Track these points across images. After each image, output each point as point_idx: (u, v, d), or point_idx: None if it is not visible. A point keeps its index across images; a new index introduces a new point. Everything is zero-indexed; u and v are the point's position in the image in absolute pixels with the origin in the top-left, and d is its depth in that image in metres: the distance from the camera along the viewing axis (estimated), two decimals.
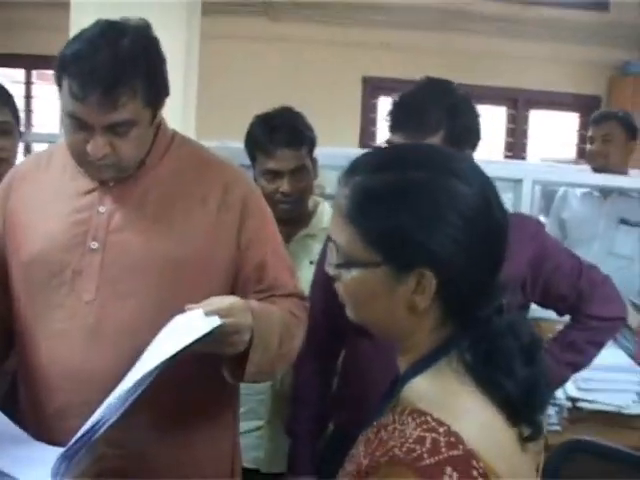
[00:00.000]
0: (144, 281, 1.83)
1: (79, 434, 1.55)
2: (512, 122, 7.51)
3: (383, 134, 6.36)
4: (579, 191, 4.13)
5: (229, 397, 2.02)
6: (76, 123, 1.77)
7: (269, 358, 1.81)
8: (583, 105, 7.33)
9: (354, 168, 1.27)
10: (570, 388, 2.82)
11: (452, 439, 1.12)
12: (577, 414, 2.82)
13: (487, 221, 1.22)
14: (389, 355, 2.10)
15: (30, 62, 7.08)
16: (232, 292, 1.89)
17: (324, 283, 2.29)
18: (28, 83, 7.34)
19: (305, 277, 2.57)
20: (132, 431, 1.73)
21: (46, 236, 1.87)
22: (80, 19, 1.81)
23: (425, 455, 1.10)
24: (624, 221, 4.00)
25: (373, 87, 7.14)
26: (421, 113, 2.12)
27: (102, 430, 1.55)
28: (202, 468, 1.93)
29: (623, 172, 4.05)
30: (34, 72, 7.33)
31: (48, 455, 1.61)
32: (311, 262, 2.65)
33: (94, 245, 1.84)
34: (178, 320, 1.67)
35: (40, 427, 1.82)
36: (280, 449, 2.57)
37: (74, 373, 1.81)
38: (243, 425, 2.34)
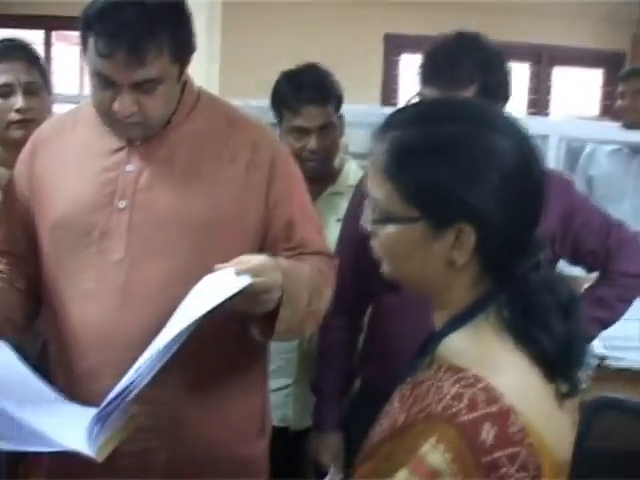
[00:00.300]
0: (173, 240, 1.82)
1: (112, 395, 1.55)
2: (535, 79, 7.44)
3: (405, 92, 6.29)
4: (607, 148, 4.08)
5: (259, 355, 2.01)
6: (103, 81, 1.76)
7: (298, 316, 1.81)
8: (607, 61, 7.23)
9: (391, 123, 1.25)
10: (597, 345, 2.81)
11: (490, 395, 1.11)
12: (603, 372, 2.81)
13: (526, 176, 1.21)
14: (416, 310, 2.09)
15: (49, 23, 7.06)
16: (261, 251, 1.88)
17: (350, 240, 2.32)
18: (48, 44, 7.32)
19: (332, 235, 2.57)
20: (163, 389, 1.73)
21: (73, 197, 1.86)
22: None
23: (463, 411, 1.10)
24: None
25: (395, 44, 7.06)
26: (454, 65, 2.10)
27: (136, 391, 1.55)
28: (233, 426, 1.94)
29: None
30: (54, 33, 7.31)
31: (82, 415, 1.61)
32: (338, 220, 2.65)
33: (122, 204, 1.84)
34: (208, 279, 1.67)
35: (71, 388, 1.83)
36: (308, 407, 2.58)
37: (105, 333, 1.81)
38: (272, 383, 2.35)
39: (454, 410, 1.10)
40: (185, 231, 1.82)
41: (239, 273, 1.63)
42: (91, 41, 1.72)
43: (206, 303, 1.58)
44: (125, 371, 1.63)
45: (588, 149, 4.16)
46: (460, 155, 1.18)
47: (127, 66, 1.70)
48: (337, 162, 2.79)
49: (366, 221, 1.28)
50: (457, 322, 1.23)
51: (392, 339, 2.25)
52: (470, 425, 1.09)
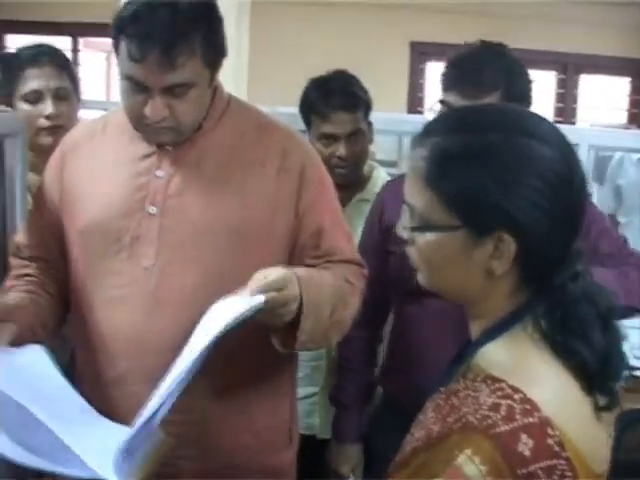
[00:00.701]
0: (203, 246, 1.82)
1: (138, 425, 1.52)
2: (562, 87, 7.40)
3: (431, 99, 6.27)
4: (636, 156, 4.03)
5: (287, 363, 2.00)
6: (134, 86, 1.75)
7: (321, 326, 1.80)
8: (634, 69, 7.19)
9: (430, 130, 1.24)
10: (628, 356, 2.77)
11: (527, 406, 1.10)
12: (635, 383, 2.78)
13: (568, 185, 1.19)
14: (439, 321, 2.12)
15: (76, 30, 7.10)
16: (290, 257, 1.89)
17: (368, 250, 2.31)
18: (75, 51, 7.37)
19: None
20: (191, 398, 1.72)
21: (104, 202, 1.86)
22: None
23: (500, 422, 1.09)
24: None
25: (421, 52, 7.06)
26: (478, 71, 2.09)
27: (160, 417, 1.53)
28: (260, 435, 1.92)
29: None
30: (80, 40, 7.36)
31: (113, 435, 1.58)
32: None
33: (152, 210, 1.83)
34: (227, 300, 1.66)
35: (99, 394, 1.82)
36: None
37: (134, 339, 1.80)
38: (299, 391, 2.34)
39: (490, 421, 1.09)
40: (215, 237, 1.82)
41: (254, 292, 1.62)
42: (123, 45, 1.73)
43: (221, 324, 1.57)
44: (154, 377, 1.61)
45: (616, 158, 4.12)
46: (501, 162, 1.17)
47: (159, 69, 1.70)
48: (366, 169, 2.79)
49: (403, 228, 1.27)
50: (494, 332, 1.21)
51: (414, 350, 2.25)
52: (507, 437, 1.08)
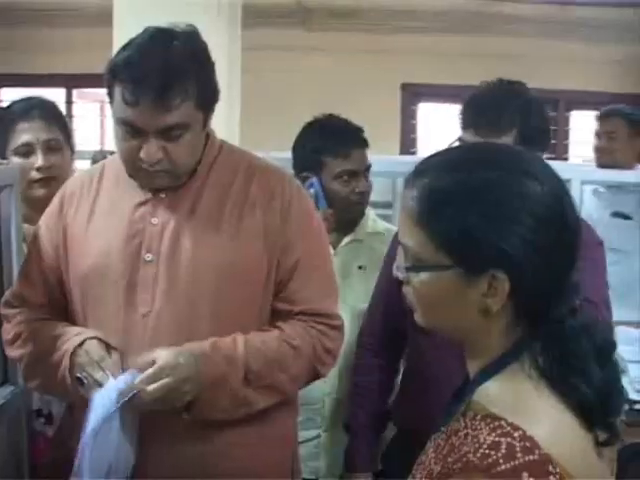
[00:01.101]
0: (198, 289, 1.83)
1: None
2: (554, 124, 7.44)
3: (423, 140, 6.27)
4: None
5: (288, 406, 2.00)
6: (129, 130, 1.78)
7: (230, 395, 1.81)
8: (626, 104, 7.23)
9: (421, 169, 1.24)
10: (628, 390, 2.76)
11: (528, 444, 1.09)
12: (635, 417, 2.76)
13: (560, 221, 1.18)
14: (449, 353, 2.11)
15: (70, 81, 7.14)
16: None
17: (383, 281, 2.36)
18: (69, 102, 7.40)
19: (355, 282, 2.58)
20: (194, 439, 1.78)
21: (101, 250, 1.88)
22: (123, 35, 1.81)
23: (501, 460, 1.07)
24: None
25: (412, 93, 7.09)
26: (494, 111, 2.12)
27: None
28: (262, 476, 1.91)
29: (631, 169, 4.01)
30: (74, 91, 7.40)
31: None
32: (359, 267, 2.67)
33: (148, 257, 1.85)
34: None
35: None
36: (338, 457, 2.56)
37: None
38: (301, 434, 2.33)
39: (491, 460, 1.08)
40: (209, 279, 1.83)
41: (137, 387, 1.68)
42: (117, 90, 1.75)
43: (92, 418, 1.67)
44: (153, 422, 1.70)
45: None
46: (491, 200, 1.16)
47: (153, 112, 1.73)
48: None
49: (398, 268, 1.27)
50: (492, 370, 1.21)
51: (425, 382, 2.25)
52: (508, 475, 1.06)
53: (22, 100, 2.56)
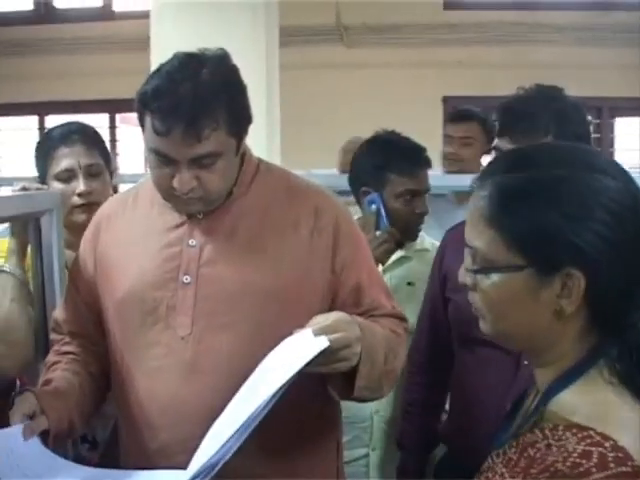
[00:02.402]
0: (239, 313, 1.81)
1: (198, 468, 1.53)
2: (597, 131, 7.36)
3: None
4: None
5: (332, 425, 1.98)
6: (161, 159, 1.76)
7: (377, 373, 1.76)
8: None
9: (490, 170, 1.23)
10: None
11: (620, 454, 1.05)
12: None
13: (634, 215, 1.15)
14: (494, 370, 2.09)
15: (113, 106, 7.23)
16: None
17: (429, 298, 2.39)
18: (112, 127, 7.49)
19: (403, 299, 2.55)
20: (238, 459, 1.72)
21: (138, 273, 1.87)
22: (160, 60, 1.80)
23: (593, 469, 1.03)
24: None
25: (454, 106, 7.06)
26: (529, 117, 2.08)
27: (221, 464, 1.53)
28: None
29: None
30: (117, 116, 7.48)
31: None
32: (408, 283, 2.64)
33: (187, 279, 1.83)
34: (286, 344, 1.64)
35: (146, 466, 1.80)
36: (388, 476, 2.54)
37: (173, 409, 1.79)
38: (349, 454, 2.31)
39: (582, 469, 1.03)
40: (250, 303, 1.81)
41: (317, 333, 1.60)
42: (148, 119, 1.73)
43: (287, 369, 1.55)
44: (196, 447, 1.62)
45: None
46: (564, 196, 1.14)
47: (184, 143, 1.70)
48: None
49: (465, 272, 1.24)
50: (568, 378, 1.17)
51: (468, 400, 2.24)
52: None
53: (62, 125, 2.57)
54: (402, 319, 1.97)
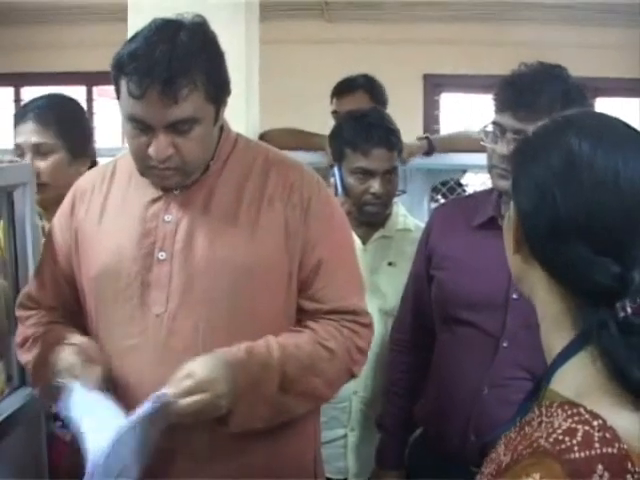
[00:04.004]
0: (213, 288, 1.78)
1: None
2: None
3: (446, 131, 6.20)
4: None
5: (310, 411, 1.95)
6: (137, 126, 1.73)
7: (264, 405, 1.76)
8: None
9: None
10: None
11: (607, 435, 1.00)
12: None
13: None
14: (467, 350, 2.08)
15: (90, 79, 7.14)
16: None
17: (413, 281, 2.37)
18: (89, 100, 7.41)
19: (383, 279, 2.54)
20: (217, 443, 1.73)
21: (113, 249, 1.84)
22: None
23: (575, 448, 0.99)
24: None
25: (434, 84, 7.02)
26: (534, 93, 2.02)
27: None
28: (284, 476, 1.87)
29: None
30: (94, 89, 7.40)
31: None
32: (389, 263, 2.62)
33: (162, 256, 1.80)
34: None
35: None
36: (365, 457, 2.53)
37: (146, 388, 1.74)
38: (327, 434, 2.29)
39: (564, 446, 1.00)
40: (225, 279, 1.79)
41: (174, 397, 1.62)
42: (123, 84, 1.70)
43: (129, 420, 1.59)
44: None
45: None
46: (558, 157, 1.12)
47: (160, 105, 1.67)
48: None
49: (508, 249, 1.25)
50: (568, 352, 1.12)
51: (442, 382, 2.24)
52: (581, 464, 0.98)
53: (34, 99, 2.53)
54: (356, 313, 1.90)
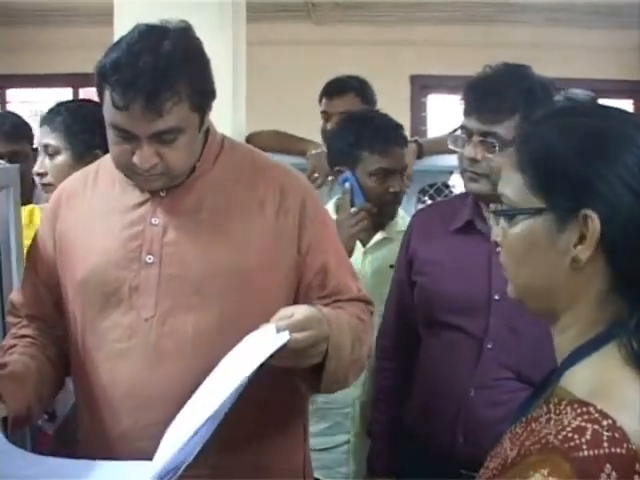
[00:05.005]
0: (203, 293, 1.77)
1: (164, 468, 1.50)
2: None
3: (433, 132, 6.21)
4: None
5: (298, 406, 1.96)
6: (121, 134, 1.70)
7: (343, 366, 1.74)
8: (634, 90, 7.17)
9: (520, 126, 1.28)
10: None
11: (616, 434, 1.00)
12: None
13: None
14: (452, 354, 2.08)
15: (77, 80, 7.11)
16: (295, 299, 1.84)
17: (395, 286, 2.38)
18: None
19: (385, 280, 2.53)
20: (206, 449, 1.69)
21: (99, 253, 1.81)
22: (124, 33, 1.74)
23: (584, 446, 0.99)
24: None
25: (421, 85, 7.04)
26: (496, 95, 2.04)
27: (185, 465, 1.51)
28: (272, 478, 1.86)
29: None
30: (81, 90, 7.37)
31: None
32: (391, 266, 2.60)
33: (150, 259, 1.78)
34: (250, 338, 1.61)
35: (108, 452, 1.75)
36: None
37: (137, 394, 1.75)
38: (329, 440, 2.28)
39: (573, 444, 1.00)
40: (215, 283, 1.77)
41: (279, 329, 1.56)
42: (107, 93, 1.67)
43: (248, 365, 1.52)
44: (159, 432, 1.60)
45: None
46: (592, 141, 1.14)
47: (145, 117, 1.65)
48: None
49: (495, 233, 1.25)
50: (583, 351, 1.13)
51: (430, 385, 2.24)
52: (590, 463, 0.98)
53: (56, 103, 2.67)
54: (367, 302, 1.94)
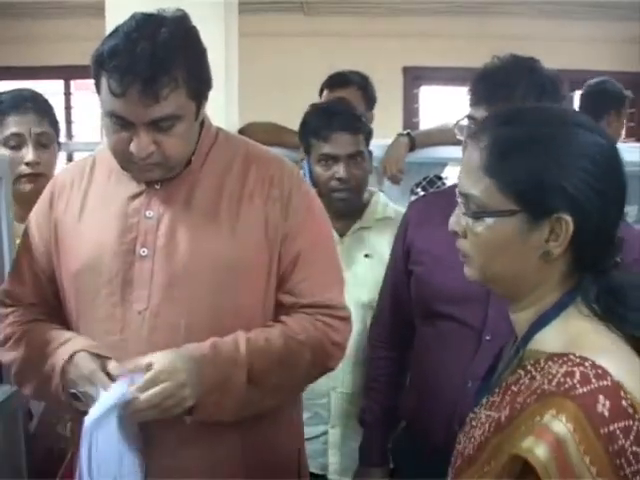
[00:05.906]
0: (195, 285, 1.77)
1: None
2: (558, 103, 7.36)
3: (426, 124, 6.19)
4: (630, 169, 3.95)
5: (293, 401, 1.96)
6: (117, 122, 1.70)
7: (236, 397, 1.74)
8: (631, 82, 7.17)
9: (485, 125, 1.33)
10: None
11: (599, 371, 1.15)
12: None
13: (615, 168, 1.27)
14: (448, 344, 2.08)
15: (68, 73, 7.09)
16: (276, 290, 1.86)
17: (391, 275, 2.35)
18: (67, 94, 7.36)
19: (360, 270, 2.52)
20: (196, 435, 1.73)
21: (94, 245, 1.81)
22: (115, 26, 1.73)
23: (577, 385, 1.14)
24: None
25: (414, 77, 7.02)
26: (508, 86, 2.02)
27: None
28: (268, 472, 1.87)
29: None
30: (72, 82, 7.35)
31: None
32: (366, 255, 2.61)
33: (144, 252, 1.78)
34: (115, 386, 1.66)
35: None
36: (347, 453, 2.53)
37: None
38: (309, 431, 2.28)
39: (568, 385, 1.14)
40: (207, 274, 1.77)
41: (134, 393, 1.62)
42: (104, 80, 1.67)
43: (96, 409, 1.62)
44: (153, 423, 1.65)
45: None
46: (557, 148, 1.24)
47: (142, 103, 1.65)
48: (365, 196, 2.73)
49: (455, 223, 1.34)
50: (547, 317, 1.28)
51: (426, 375, 2.22)
52: (586, 397, 1.12)
53: (12, 91, 2.50)
54: (333, 307, 1.88)
